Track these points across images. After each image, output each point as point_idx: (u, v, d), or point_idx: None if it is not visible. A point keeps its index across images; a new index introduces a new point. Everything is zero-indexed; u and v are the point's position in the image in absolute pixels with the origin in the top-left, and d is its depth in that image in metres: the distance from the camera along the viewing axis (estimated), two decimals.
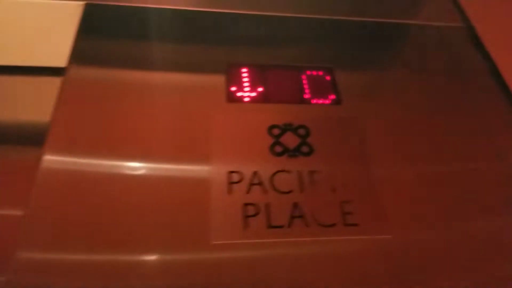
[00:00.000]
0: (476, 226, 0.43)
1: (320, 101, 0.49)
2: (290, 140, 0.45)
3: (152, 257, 0.37)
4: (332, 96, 0.50)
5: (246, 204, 0.40)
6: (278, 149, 0.45)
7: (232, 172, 0.42)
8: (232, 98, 0.48)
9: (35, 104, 0.53)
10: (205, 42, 0.53)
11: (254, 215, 0.40)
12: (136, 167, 0.42)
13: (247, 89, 0.49)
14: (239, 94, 0.48)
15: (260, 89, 0.49)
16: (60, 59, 0.49)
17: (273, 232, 0.39)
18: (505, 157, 0.48)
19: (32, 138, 0.51)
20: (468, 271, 0.40)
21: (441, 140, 0.48)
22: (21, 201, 0.39)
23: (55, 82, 0.47)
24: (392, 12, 0.62)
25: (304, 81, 0.51)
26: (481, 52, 0.59)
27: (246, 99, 0.48)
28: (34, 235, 0.37)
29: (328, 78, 0.52)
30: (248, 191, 0.41)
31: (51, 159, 0.41)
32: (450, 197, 0.44)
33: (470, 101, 0.53)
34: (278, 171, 0.43)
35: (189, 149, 0.43)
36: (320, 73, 0.52)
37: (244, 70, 0.50)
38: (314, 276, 0.38)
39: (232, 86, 0.48)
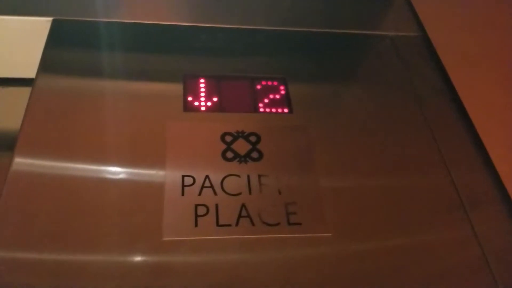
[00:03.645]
0: (410, 229, 0.46)
1: (273, 110, 0.53)
2: (241, 146, 0.49)
3: (106, 251, 0.40)
4: (284, 106, 0.54)
5: (198, 205, 0.44)
6: (230, 155, 0.48)
7: (185, 176, 0.46)
8: (188, 107, 0.51)
9: (6, 112, 0.56)
10: (164, 54, 0.57)
11: (204, 215, 0.44)
12: (97, 169, 0.45)
13: (203, 98, 0.52)
14: (195, 103, 0.52)
15: (215, 99, 0.52)
16: (29, 70, 0.52)
17: (221, 230, 0.43)
18: (451, 169, 0.50)
19: (4, 143, 0.54)
20: (401, 269, 0.43)
21: (383, 151, 0.51)
22: None
23: (26, 91, 0.50)
24: (350, 23, 0.65)
25: (258, 91, 0.54)
26: (434, 62, 0.61)
27: (202, 108, 0.52)
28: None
29: (281, 88, 0.55)
30: (199, 193, 0.45)
31: (20, 162, 0.44)
32: (388, 201, 0.47)
33: (418, 112, 0.55)
34: (228, 175, 0.47)
35: (147, 154, 0.47)
36: (275, 83, 0.56)
37: (201, 80, 0.54)
38: (257, 270, 0.41)
39: (189, 96, 0.52)
